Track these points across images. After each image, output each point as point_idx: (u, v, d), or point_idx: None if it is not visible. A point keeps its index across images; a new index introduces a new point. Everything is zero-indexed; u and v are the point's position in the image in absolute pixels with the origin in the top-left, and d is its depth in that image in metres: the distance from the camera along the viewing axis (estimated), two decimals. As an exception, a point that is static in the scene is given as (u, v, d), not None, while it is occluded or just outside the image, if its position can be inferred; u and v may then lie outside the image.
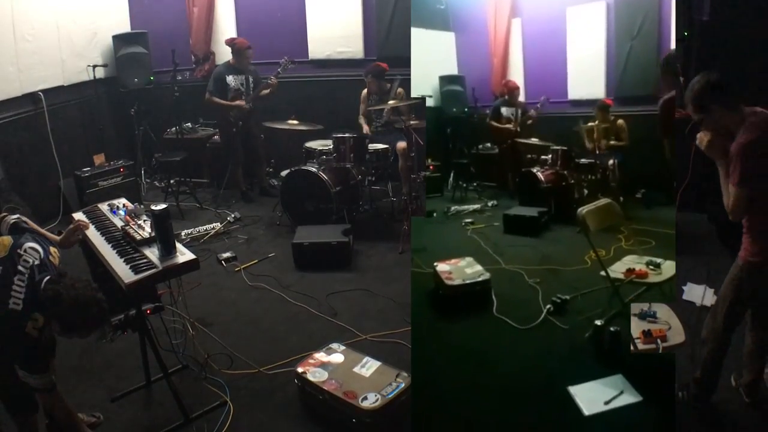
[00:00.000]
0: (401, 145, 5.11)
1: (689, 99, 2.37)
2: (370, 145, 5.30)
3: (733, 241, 2.75)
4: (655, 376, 2.60)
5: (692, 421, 2.69)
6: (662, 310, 2.74)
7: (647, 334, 2.58)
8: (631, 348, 2.61)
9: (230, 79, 5.68)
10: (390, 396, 2.60)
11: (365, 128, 5.60)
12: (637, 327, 2.64)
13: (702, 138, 2.40)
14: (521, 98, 6.48)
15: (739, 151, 2.24)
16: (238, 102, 5.67)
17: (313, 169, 4.95)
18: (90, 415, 2.71)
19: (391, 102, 5.22)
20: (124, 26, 6.58)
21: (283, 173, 5.23)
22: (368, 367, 2.81)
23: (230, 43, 5.72)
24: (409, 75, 5.34)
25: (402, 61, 5.58)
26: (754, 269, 2.44)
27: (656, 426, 2.45)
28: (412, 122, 4.82)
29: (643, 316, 2.70)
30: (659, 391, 2.55)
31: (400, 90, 5.40)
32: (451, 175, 6.64)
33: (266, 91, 5.68)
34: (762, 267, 2.42)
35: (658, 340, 2.56)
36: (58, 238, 2.59)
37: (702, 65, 4.96)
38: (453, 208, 5.85)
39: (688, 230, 4.62)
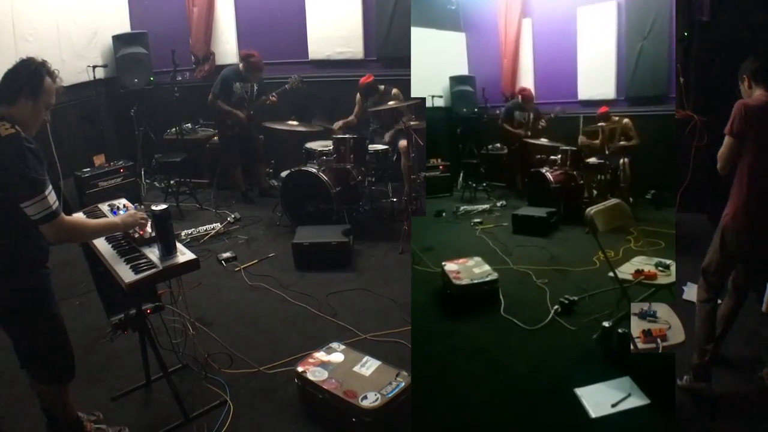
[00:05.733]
0: (403, 143, 5.12)
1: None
2: (370, 145, 5.31)
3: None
4: (661, 379, 2.59)
5: (692, 408, 2.68)
6: (662, 310, 2.74)
7: (647, 334, 2.59)
8: (631, 347, 2.61)
9: (237, 86, 5.70)
10: (390, 395, 2.59)
11: (349, 119, 5.73)
12: (637, 326, 2.64)
13: None
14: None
15: (740, 106, 2.55)
16: (238, 112, 5.70)
17: (313, 170, 4.96)
18: (90, 414, 2.70)
19: (391, 103, 5.22)
20: (124, 26, 6.60)
21: (284, 174, 5.23)
22: (368, 366, 2.81)
23: (245, 56, 5.63)
24: (408, 76, 5.35)
25: (402, 61, 5.60)
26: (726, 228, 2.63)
27: (664, 430, 2.43)
28: (411, 123, 4.82)
29: (643, 315, 2.71)
30: (665, 394, 2.54)
31: (395, 91, 5.40)
32: (461, 174, 6.64)
33: (266, 103, 5.69)
34: (731, 227, 2.61)
35: (658, 340, 2.56)
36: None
37: (702, 65, 4.98)
38: (462, 207, 5.85)
39: (688, 230, 4.62)
